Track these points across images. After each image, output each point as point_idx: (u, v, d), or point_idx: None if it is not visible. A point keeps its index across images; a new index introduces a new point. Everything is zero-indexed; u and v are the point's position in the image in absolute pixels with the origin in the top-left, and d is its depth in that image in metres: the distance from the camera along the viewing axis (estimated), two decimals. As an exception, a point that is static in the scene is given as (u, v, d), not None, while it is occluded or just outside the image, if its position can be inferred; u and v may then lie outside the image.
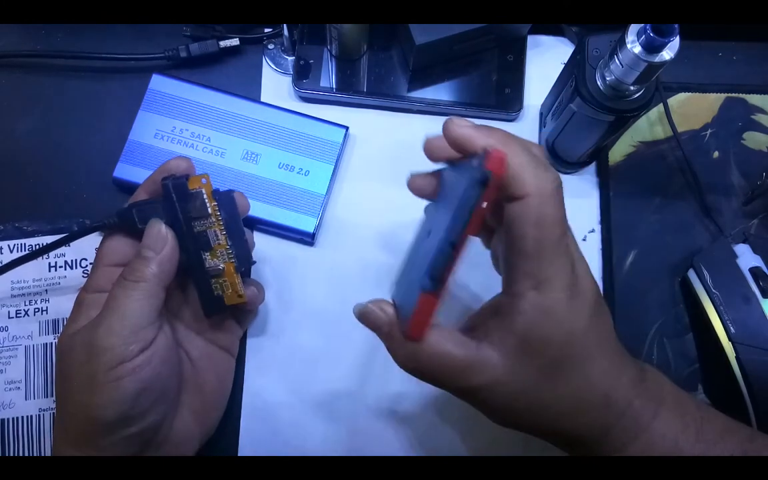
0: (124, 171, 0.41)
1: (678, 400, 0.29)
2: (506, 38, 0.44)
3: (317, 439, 0.39)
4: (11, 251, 0.40)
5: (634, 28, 0.31)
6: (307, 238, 0.41)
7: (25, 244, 0.41)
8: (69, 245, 0.40)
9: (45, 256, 0.40)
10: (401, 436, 0.39)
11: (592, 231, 0.43)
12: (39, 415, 0.38)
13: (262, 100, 0.44)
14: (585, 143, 0.40)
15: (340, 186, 0.43)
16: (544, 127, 0.43)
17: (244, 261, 0.34)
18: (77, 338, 0.30)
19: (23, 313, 0.39)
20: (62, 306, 0.40)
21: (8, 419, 0.38)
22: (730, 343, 0.37)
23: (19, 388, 0.38)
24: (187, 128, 0.42)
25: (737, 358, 0.37)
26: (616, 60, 0.33)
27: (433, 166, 0.31)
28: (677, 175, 0.44)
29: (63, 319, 0.40)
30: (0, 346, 0.39)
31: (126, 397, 0.29)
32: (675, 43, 0.31)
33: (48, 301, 0.40)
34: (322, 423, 0.39)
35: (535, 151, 0.27)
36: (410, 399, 0.40)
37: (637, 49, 0.31)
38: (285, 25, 0.43)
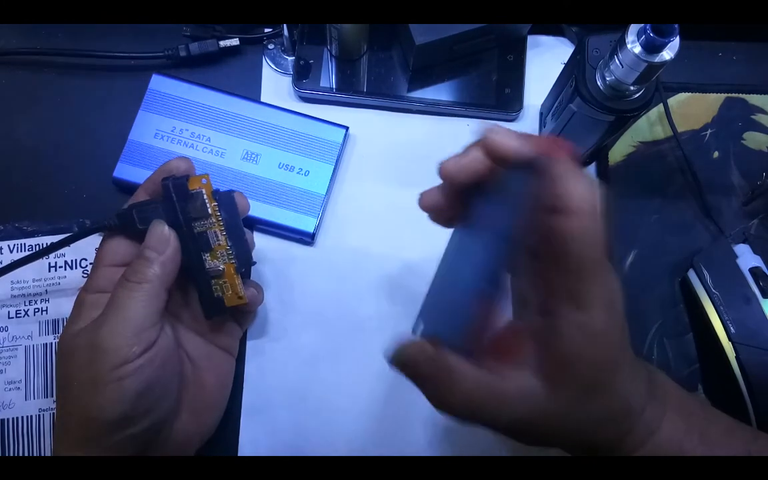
0: (124, 171, 0.41)
1: (682, 402, 0.28)
2: (506, 38, 0.44)
3: (317, 439, 0.39)
4: (11, 251, 0.40)
5: (634, 28, 0.31)
6: (307, 238, 0.41)
7: (25, 244, 0.41)
8: (69, 245, 0.40)
9: (45, 256, 0.40)
10: (401, 436, 0.39)
11: (592, 231, 0.43)
12: (39, 415, 0.38)
13: (262, 100, 0.44)
14: (585, 143, 0.40)
15: (340, 186, 0.43)
16: (544, 127, 0.43)
17: (245, 262, 0.34)
18: (79, 339, 0.30)
19: (23, 313, 0.39)
20: (62, 306, 0.40)
21: (8, 419, 0.38)
22: (730, 343, 0.37)
23: (19, 388, 0.38)
24: (187, 128, 0.42)
25: (737, 358, 0.37)
26: (616, 60, 0.33)
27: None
28: (677, 175, 0.44)
29: (63, 320, 0.40)
30: (0, 346, 0.39)
31: (127, 397, 0.29)
32: (675, 43, 0.31)
33: (48, 301, 0.40)
34: (322, 423, 0.39)
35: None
36: (410, 399, 0.39)
37: (637, 49, 0.31)
38: (285, 25, 0.43)
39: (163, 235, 0.32)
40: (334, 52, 0.44)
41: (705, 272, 0.39)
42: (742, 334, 0.37)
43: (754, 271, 0.38)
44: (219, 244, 0.33)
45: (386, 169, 0.43)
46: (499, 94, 0.44)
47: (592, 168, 0.44)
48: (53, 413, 0.38)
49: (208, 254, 0.33)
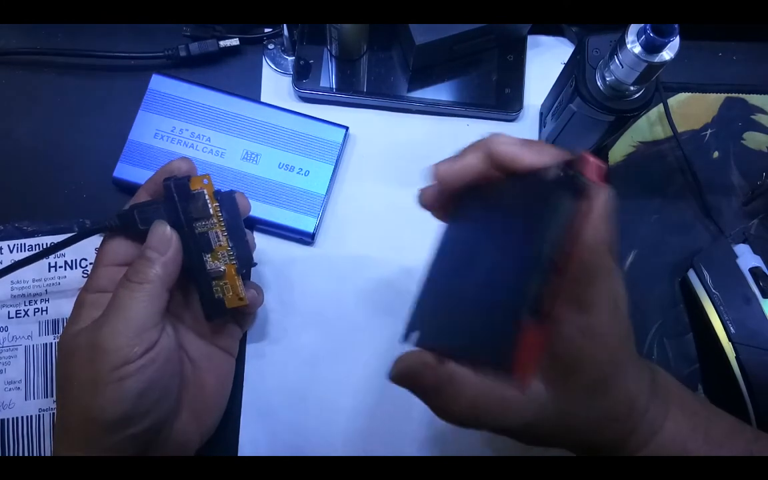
0: (124, 171, 0.41)
1: (685, 401, 0.28)
2: (506, 38, 0.44)
3: (317, 440, 0.39)
4: (11, 251, 0.40)
5: (634, 28, 0.31)
6: (307, 238, 0.41)
7: (25, 244, 0.41)
8: (70, 246, 0.40)
9: (47, 256, 0.40)
10: (401, 436, 0.39)
11: (592, 231, 0.43)
12: (39, 415, 0.38)
13: (262, 100, 0.44)
14: (585, 143, 0.40)
15: (340, 186, 0.43)
16: (544, 127, 0.43)
17: (245, 263, 0.34)
18: (80, 339, 0.30)
19: (23, 313, 0.39)
20: (62, 306, 0.40)
21: (8, 419, 0.38)
22: (730, 343, 0.37)
23: (19, 388, 0.38)
24: (187, 128, 0.42)
25: (737, 358, 0.37)
26: (616, 60, 0.33)
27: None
28: (677, 175, 0.44)
29: (63, 320, 0.40)
30: (0, 346, 0.39)
31: (128, 397, 0.29)
32: (675, 43, 0.31)
33: (48, 301, 0.40)
34: (322, 423, 0.39)
35: None
36: (410, 399, 0.39)
37: (637, 49, 0.31)
38: (285, 25, 0.43)
39: (164, 235, 0.32)
40: (334, 52, 0.44)
41: (705, 272, 0.39)
42: (742, 334, 0.37)
43: (754, 271, 0.38)
44: (220, 245, 0.33)
45: (386, 169, 0.43)
46: (499, 94, 0.44)
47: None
48: (53, 413, 0.38)
49: (209, 255, 0.33)
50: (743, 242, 0.40)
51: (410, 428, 0.39)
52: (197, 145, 0.42)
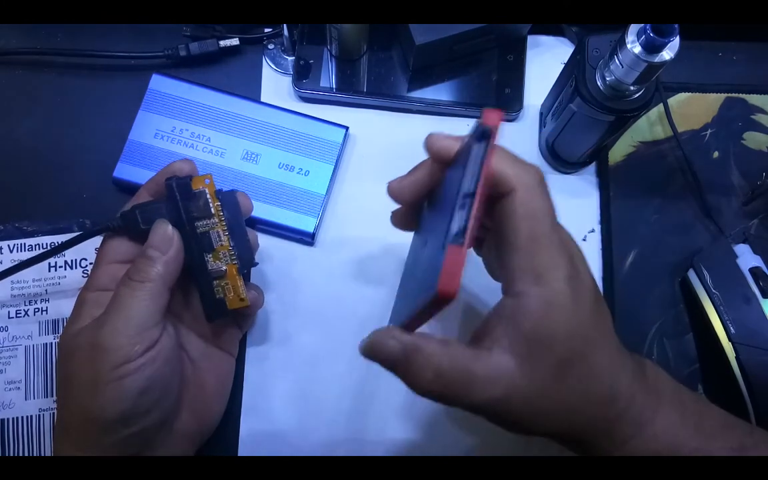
0: (124, 171, 0.41)
1: (677, 394, 0.29)
2: (506, 38, 0.44)
3: (317, 439, 0.39)
4: (11, 251, 0.40)
5: (634, 28, 0.31)
6: (307, 238, 0.41)
7: (25, 244, 0.41)
8: (73, 247, 0.40)
9: (50, 257, 0.40)
10: (401, 436, 0.39)
11: (592, 231, 0.43)
12: (39, 415, 0.38)
13: (262, 100, 0.44)
14: (585, 143, 0.40)
15: (340, 186, 0.43)
16: (544, 127, 0.43)
17: (247, 263, 0.34)
18: (81, 337, 0.30)
19: (23, 313, 0.39)
20: (62, 306, 0.40)
21: (8, 419, 0.38)
22: (730, 343, 0.37)
23: (19, 388, 0.38)
24: (187, 128, 0.42)
25: (737, 358, 0.37)
26: (616, 60, 0.33)
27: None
28: (677, 175, 0.44)
29: (63, 319, 0.40)
30: (0, 346, 0.39)
31: (128, 396, 0.29)
32: (675, 43, 0.31)
33: (48, 301, 0.40)
34: (322, 423, 0.39)
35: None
36: (410, 399, 0.39)
37: (637, 49, 0.31)
38: (285, 25, 0.43)
39: (166, 234, 0.32)
40: (334, 52, 0.44)
41: (705, 272, 0.39)
42: (742, 334, 0.37)
43: (754, 271, 0.38)
44: (221, 245, 0.33)
45: (386, 169, 0.43)
46: (499, 94, 0.44)
47: (592, 168, 0.44)
48: (53, 413, 0.38)
49: (211, 255, 0.33)
50: (743, 242, 0.40)
51: (411, 428, 0.39)
52: (197, 145, 0.42)
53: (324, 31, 0.43)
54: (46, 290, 0.40)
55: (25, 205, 0.42)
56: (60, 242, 0.35)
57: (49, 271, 0.40)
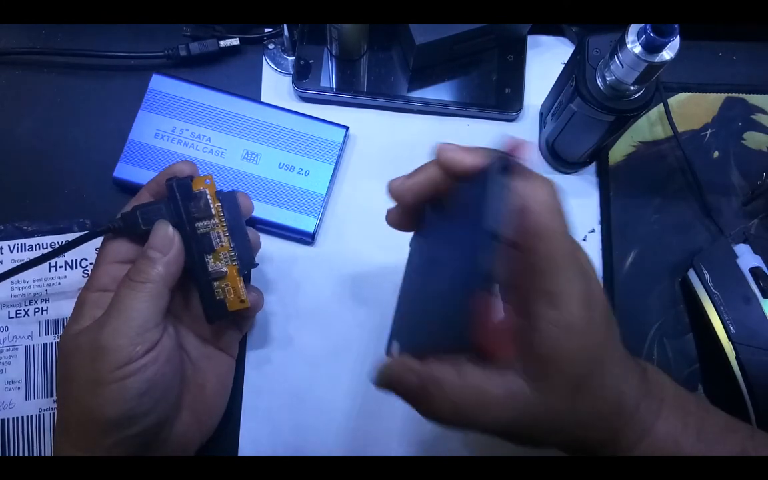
0: (124, 171, 0.41)
1: (678, 399, 0.28)
2: (506, 38, 0.44)
3: (317, 439, 0.39)
4: (11, 251, 0.40)
5: (634, 28, 0.31)
6: (307, 238, 0.41)
7: (25, 244, 0.41)
8: (74, 248, 0.40)
9: (53, 259, 0.40)
10: (401, 436, 0.39)
11: (592, 231, 0.43)
12: (39, 415, 0.38)
13: (262, 100, 0.44)
14: (585, 143, 0.40)
15: (340, 186, 0.43)
16: (544, 127, 0.43)
17: (247, 264, 0.34)
18: (81, 338, 0.30)
19: (23, 313, 0.39)
20: (62, 306, 0.40)
21: (8, 419, 0.38)
22: (730, 343, 0.37)
23: (19, 388, 0.38)
24: (187, 128, 0.42)
25: (737, 358, 0.37)
26: (616, 60, 0.33)
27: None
28: (677, 175, 0.44)
29: (63, 320, 0.40)
30: (0, 346, 0.39)
31: (129, 396, 0.29)
32: (675, 43, 0.31)
33: (48, 301, 0.40)
34: (322, 423, 0.39)
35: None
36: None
37: (637, 49, 0.31)
38: (285, 25, 0.43)
39: (167, 235, 0.32)
40: (334, 52, 0.44)
41: (705, 272, 0.39)
42: (742, 334, 0.37)
43: (754, 271, 0.38)
44: (222, 246, 0.33)
45: (386, 169, 0.43)
46: (499, 94, 0.44)
47: (592, 168, 0.44)
48: (53, 413, 0.38)
49: (211, 256, 0.33)
50: (743, 242, 0.40)
51: (411, 428, 0.39)
52: (197, 145, 0.42)
53: (324, 31, 0.43)
54: (46, 290, 0.40)
55: (25, 205, 0.42)
56: (60, 242, 0.35)
57: (50, 271, 0.40)
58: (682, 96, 0.45)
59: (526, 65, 0.45)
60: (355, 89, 0.44)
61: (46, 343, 0.39)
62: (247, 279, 0.38)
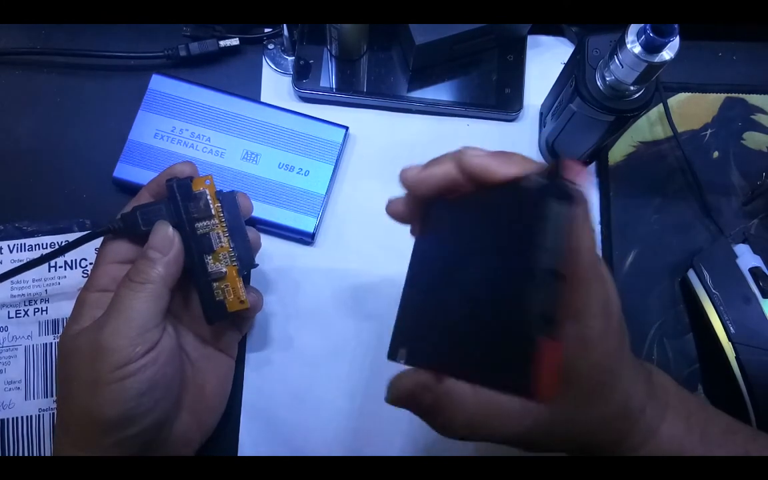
0: (124, 171, 0.41)
1: (682, 401, 0.29)
2: (506, 38, 0.44)
3: (317, 439, 0.39)
4: (11, 251, 0.40)
5: (634, 28, 0.31)
6: (307, 238, 0.41)
7: (25, 244, 0.41)
8: (75, 249, 0.40)
9: (53, 259, 0.40)
10: (401, 436, 0.39)
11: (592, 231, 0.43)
12: (39, 415, 0.38)
13: (262, 100, 0.44)
14: (585, 143, 0.40)
15: (340, 186, 0.43)
16: (544, 127, 0.43)
17: (247, 264, 0.34)
18: (81, 338, 0.30)
19: (23, 313, 0.39)
20: (62, 306, 0.40)
21: (8, 419, 0.38)
22: (730, 343, 0.37)
23: (19, 388, 0.38)
24: (187, 128, 0.42)
25: (737, 358, 0.37)
26: (616, 60, 0.33)
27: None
28: (677, 175, 0.44)
29: (63, 320, 0.40)
30: (0, 346, 0.39)
31: (129, 396, 0.29)
32: (675, 43, 0.31)
33: (48, 301, 0.40)
34: (322, 423, 0.39)
35: None
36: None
37: (637, 49, 0.31)
38: (285, 25, 0.43)
39: (167, 235, 0.32)
40: (334, 52, 0.44)
41: (705, 272, 0.39)
42: (742, 334, 0.37)
43: (754, 271, 0.38)
44: (222, 246, 0.33)
45: (386, 169, 0.43)
46: (499, 94, 0.44)
47: (592, 168, 0.44)
48: (53, 413, 0.38)
49: (211, 256, 0.33)
50: (743, 242, 0.40)
51: (411, 428, 0.39)
52: (197, 145, 0.42)
53: (324, 31, 0.43)
54: (46, 290, 0.40)
55: (25, 205, 0.42)
56: (60, 242, 0.35)
57: (49, 271, 0.40)
58: (681, 96, 0.45)
59: (526, 65, 0.45)
60: (354, 89, 0.44)
61: (46, 343, 0.39)
62: (246, 279, 0.38)
